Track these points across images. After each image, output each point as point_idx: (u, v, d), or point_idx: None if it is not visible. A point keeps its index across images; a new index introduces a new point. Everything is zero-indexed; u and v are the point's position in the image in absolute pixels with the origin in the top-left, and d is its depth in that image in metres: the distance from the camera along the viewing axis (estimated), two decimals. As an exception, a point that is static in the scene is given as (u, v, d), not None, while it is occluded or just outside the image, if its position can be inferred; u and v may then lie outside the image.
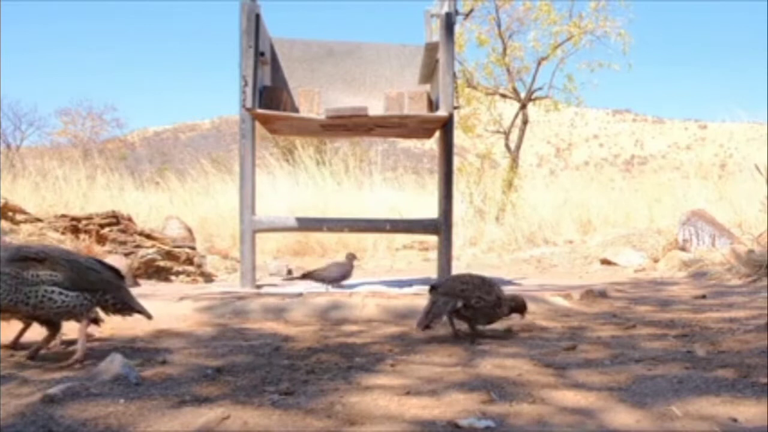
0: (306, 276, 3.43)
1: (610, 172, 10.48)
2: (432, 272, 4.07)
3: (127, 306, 1.98)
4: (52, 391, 1.41)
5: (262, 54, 3.47)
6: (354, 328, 2.48)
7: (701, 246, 5.50)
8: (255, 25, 3.32)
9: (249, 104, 3.22)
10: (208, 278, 4.53)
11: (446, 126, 3.60)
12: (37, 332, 1.94)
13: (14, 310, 1.78)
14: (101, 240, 4.23)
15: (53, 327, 1.88)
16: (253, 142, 3.57)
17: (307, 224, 3.97)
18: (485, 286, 2.22)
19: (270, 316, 2.70)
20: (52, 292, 1.79)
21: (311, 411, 1.35)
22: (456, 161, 5.97)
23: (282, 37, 3.88)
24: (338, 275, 3.36)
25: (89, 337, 2.01)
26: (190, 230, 5.69)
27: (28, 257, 1.79)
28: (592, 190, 8.98)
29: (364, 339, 2.23)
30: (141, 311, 2.00)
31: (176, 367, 1.75)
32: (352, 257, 3.49)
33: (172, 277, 4.29)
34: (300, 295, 2.97)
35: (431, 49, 3.53)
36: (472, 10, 8.25)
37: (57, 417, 1.28)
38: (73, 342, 2.05)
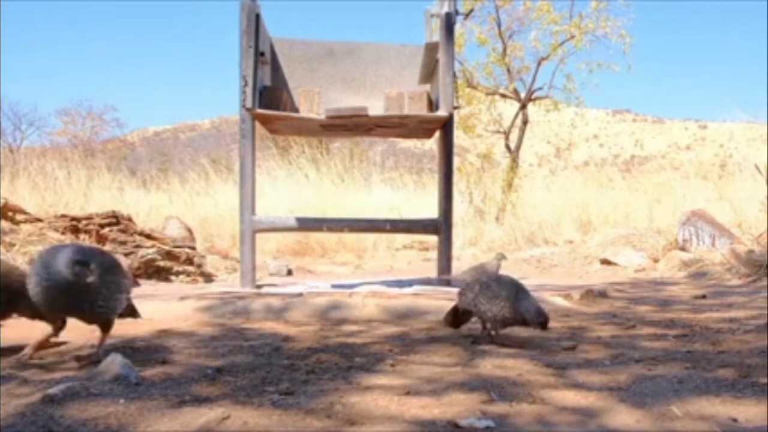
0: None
1: (610, 172, 10.48)
2: (432, 272, 4.06)
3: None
4: (52, 391, 1.41)
5: (262, 54, 3.47)
6: (354, 328, 2.47)
7: (701, 246, 5.50)
8: (255, 25, 3.32)
9: (249, 104, 3.22)
10: (208, 278, 4.53)
11: (446, 126, 3.60)
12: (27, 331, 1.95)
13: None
14: (101, 240, 4.23)
15: (62, 326, 1.89)
16: (253, 142, 3.57)
17: (307, 224, 3.97)
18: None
19: (270, 316, 2.70)
20: (127, 296, 1.89)
21: (311, 411, 1.35)
22: (456, 161, 5.97)
23: (282, 37, 3.88)
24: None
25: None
26: (190, 230, 5.69)
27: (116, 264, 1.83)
28: (592, 190, 8.98)
29: (364, 339, 2.23)
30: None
31: (176, 367, 1.75)
32: (501, 257, 3.42)
33: (172, 277, 4.29)
34: (300, 295, 2.97)
35: (431, 49, 3.53)
36: (472, 10, 8.26)
37: (57, 417, 1.28)
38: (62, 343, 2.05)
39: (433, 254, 5.02)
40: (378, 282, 3.87)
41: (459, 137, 9.10)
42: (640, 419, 1.31)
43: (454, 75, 3.42)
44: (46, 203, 6.01)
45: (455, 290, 3.34)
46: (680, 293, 3.66)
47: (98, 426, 1.25)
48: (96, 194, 7.38)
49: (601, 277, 5.01)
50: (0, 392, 1.47)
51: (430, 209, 4.47)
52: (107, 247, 4.15)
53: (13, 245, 3.60)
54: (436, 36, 3.58)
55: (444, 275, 3.50)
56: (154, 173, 11.27)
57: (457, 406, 1.39)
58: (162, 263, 4.27)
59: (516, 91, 9.57)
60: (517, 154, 9.54)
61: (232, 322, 2.60)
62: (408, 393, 1.49)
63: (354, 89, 3.91)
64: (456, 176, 5.42)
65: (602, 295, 3.25)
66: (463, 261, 6.40)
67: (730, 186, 7.57)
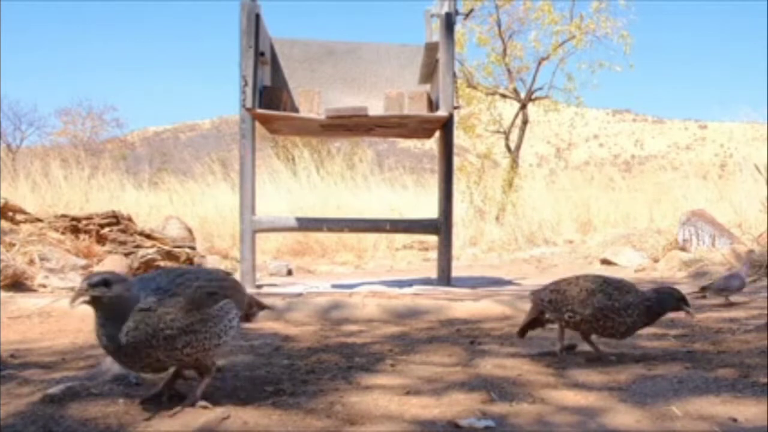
0: (704, 289, 3.26)
1: (610, 172, 10.47)
2: (432, 272, 4.06)
3: None
4: (52, 391, 1.41)
5: (262, 54, 3.47)
6: (354, 328, 2.47)
7: (701, 246, 5.49)
8: (255, 25, 3.32)
9: (249, 104, 3.22)
10: (209, 278, 4.51)
11: (446, 126, 3.60)
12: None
13: None
14: (101, 240, 4.22)
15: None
16: (253, 142, 3.57)
17: (307, 224, 3.98)
18: None
19: (270, 315, 2.69)
20: None
21: (311, 411, 1.35)
22: (456, 161, 5.97)
23: (282, 37, 3.89)
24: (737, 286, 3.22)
25: None
26: (190, 230, 5.68)
27: None
28: (592, 190, 8.97)
29: (364, 339, 2.23)
30: None
31: (176, 367, 1.74)
32: (747, 267, 3.36)
33: (172, 277, 4.28)
34: (300, 295, 2.97)
35: (431, 49, 3.53)
36: (472, 10, 8.23)
37: (57, 417, 1.28)
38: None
39: (433, 254, 5.02)
40: (378, 282, 3.87)
41: (459, 137, 9.10)
42: (640, 419, 1.31)
43: (454, 75, 3.42)
44: (46, 203, 6.01)
45: (455, 290, 3.35)
46: (680, 293, 3.66)
47: (98, 426, 1.25)
48: (96, 194, 7.37)
49: (601, 277, 5.00)
50: (0, 392, 1.47)
51: (430, 209, 4.47)
52: (107, 247, 4.14)
53: (13, 245, 3.60)
54: (436, 36, 3.58)
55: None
56: (154, 173, 11.27)
57: (457, 406, 1.39)
58: (162, 263, 4.26)
59: (516, 91, 9.57)
60: (517, 154, 9.54)
61: (232, 322, 2.59)
62: (408, 393, 1.49)
63: (354, 89, 3.91)
64: (456, 176, 5.42)
65: (602, 295, 3.24)
66: (463, 261, 6.40)
67: (730, 186, 7.56)
